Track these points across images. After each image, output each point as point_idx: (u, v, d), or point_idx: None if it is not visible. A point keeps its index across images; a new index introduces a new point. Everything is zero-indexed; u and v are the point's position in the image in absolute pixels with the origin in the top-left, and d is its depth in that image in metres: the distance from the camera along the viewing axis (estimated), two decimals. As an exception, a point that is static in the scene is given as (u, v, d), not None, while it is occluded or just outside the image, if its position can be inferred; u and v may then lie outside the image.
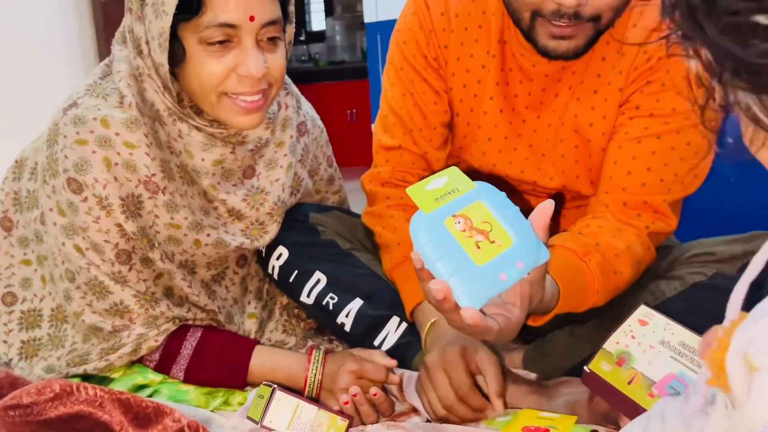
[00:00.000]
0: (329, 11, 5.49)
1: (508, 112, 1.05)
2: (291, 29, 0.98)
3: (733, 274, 0.90)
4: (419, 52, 1.06)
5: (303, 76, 4.80)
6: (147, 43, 0.90)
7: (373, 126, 1.17)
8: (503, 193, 0.69)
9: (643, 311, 0.83)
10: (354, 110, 4.82)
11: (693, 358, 0.77)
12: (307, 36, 5.65)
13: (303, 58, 5.39)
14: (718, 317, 0.92)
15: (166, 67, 0.89)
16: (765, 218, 1.39)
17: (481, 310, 0.64)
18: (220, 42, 0.88)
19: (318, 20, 5.70)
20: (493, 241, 0.65)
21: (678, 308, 0.87)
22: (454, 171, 0.69)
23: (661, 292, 0.93)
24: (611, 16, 0.90)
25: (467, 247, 0.64)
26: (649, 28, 0.95)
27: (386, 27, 2.33)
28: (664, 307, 0.85)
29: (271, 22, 0.90)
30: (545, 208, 0.69)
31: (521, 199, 1.13)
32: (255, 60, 0.89)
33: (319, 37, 5.56)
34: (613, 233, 0.93)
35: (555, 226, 1.15)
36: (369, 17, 2.43)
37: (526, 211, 0.70)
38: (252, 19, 0.88)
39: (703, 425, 0.46)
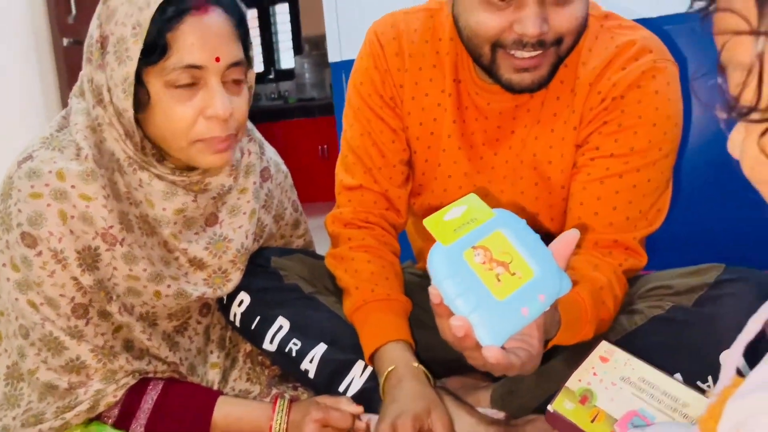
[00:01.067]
0: (297, 50, 5.57)
1: (467, 149, 1.07)
2: (252, 74, 0.98)
3: (690, 306, 0.91)
4: (375, 92, 1.07)
5: (273, 113, 4.84)
6: (109, 90, 0.90)
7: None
8: (524, 221, 0.68)
9: (604, 347, 0.84)
10: (325, 146, 4.85)
11: (653, 394, 0.78)
12: (276, 74, 5.71)
13: (273, 95, 5.43)
14: (676, 350, 0.93)
15: (131, 113, 0.89)
16: (719, 248, 1.42)
17: (503, 346, 0.63)
18: (187, 84, 0.88)
19: (287, 59, 5.76)
20: (514, 273, 0.63)
21: (638, 342, 0.88)
22: (473, 198, 0.68)
23: (621, 326, 0.93)
24: (572, 40, 0.92)
25: (487, 281, 0.62)
26: (600, 66, 0.97)
27: (351, 66, 2.37)
28: (625, 342, 0.85)
29: (236, 63, 0.91)
30: (570, 236, 0.69)
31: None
32: (221, 100, 0.89)
33: (288, 75, 5.62)
34: (594, 268, 0.94)
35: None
36: (333, 57, 2.45)
37: (547, 238, 0.69)
38: (218, 59, 0.88)
39: None
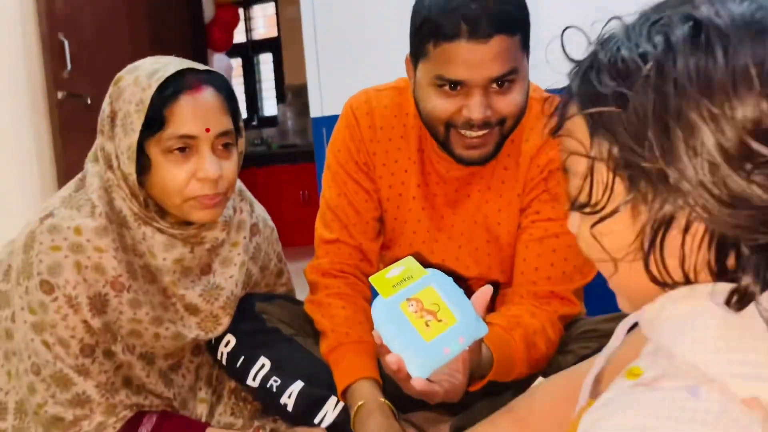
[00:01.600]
0: (280, 98, 5.71)
1: (429, 209, 1.21)
2: (242, 142, 1.11)
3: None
4: (351, 159, 1.21)
5: (257, 159, 4.93)
6: (117, 157, 1.03)
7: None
8: (450, 279, 0.83)
9: (539, 382, 0.98)
10: (306, 191, 4.94)
11: (577, 422, 0.92)
12: (259, 121, 5.84)
13: (256, 141, 5.54)
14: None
15: (134, 176, 1.02)
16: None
17: (429, 378, 0.78)
18: (181, 150, 1.01)
19: (270, 106, 5.92)
20: (440, 320, 0.78)
21: (571, 379, 1.02)
22: (410, 260, 0.83)
23: (557, 364, 1.07)
24: (514, 120, 1.07)
25: (418, 326, 0.77)
26: (539, 144, 1.13)
27: (330, 121, 2.52)
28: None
29: (224, 133, 1.04)
30: (486, 290, 0.85)
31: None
32: (210, 164, 1.02)
33: (271, 122, 5.76)
34: (531, 314, 1.08)
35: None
36: (315, 112, 2.61)
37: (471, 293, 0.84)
38: (208, 130, 1.02)
39: None
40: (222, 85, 1.06)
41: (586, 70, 0.51)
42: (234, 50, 5.09)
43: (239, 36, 4.99)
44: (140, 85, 1.00)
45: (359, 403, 1.05)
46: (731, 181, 0.45)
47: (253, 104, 5.95)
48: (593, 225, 0.52)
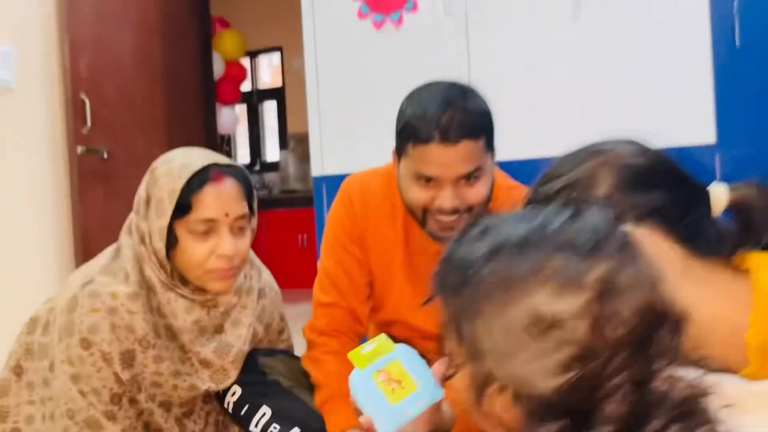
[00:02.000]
0: (283, 144, 5.93)
1: (412, 279, 1.39)
2: (254, 220, 1.30)
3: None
4: (345, 234, 1.40)
5: (258, 203, 5.07)
6: (149, 235, 1.21)
7: (318, 262, 1.47)
8: (415, 352, 1.00)
9: None
10: (305, 236, 5.07)
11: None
12: (261, 166, 6.03)
13: (258, 186, 5.71)
14: None
15: (163, 252, 1.20)
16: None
17: None
18: (204, 232, 1.19)
19: (272, 152, 6.12)
20: (404, 388, 0.95)
21: None
22: (382, 338, 1.01)
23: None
24: (480, 207, 1.24)
25: (386, 393, 0.94)
26: None
27: (331, 180, 2.71)
28: None
29: (241, 216, 1.23)
30: (443, 362, 1.01)
31: (423, 343, 1.45)
32: (228, 243, 1.20)
33: (273, 167, 5.95)
34: None
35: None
36: (316, 171, 2.79)
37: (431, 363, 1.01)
38: (227, 215, 1.21)
39: None
40: (240, 175, 1.25)
41: (444, 263, 0.70)
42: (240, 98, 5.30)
43: (245, 84, 5.21)
44: (172, 176, 1.19)
45: None
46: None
47: (256, 150, 6.14)
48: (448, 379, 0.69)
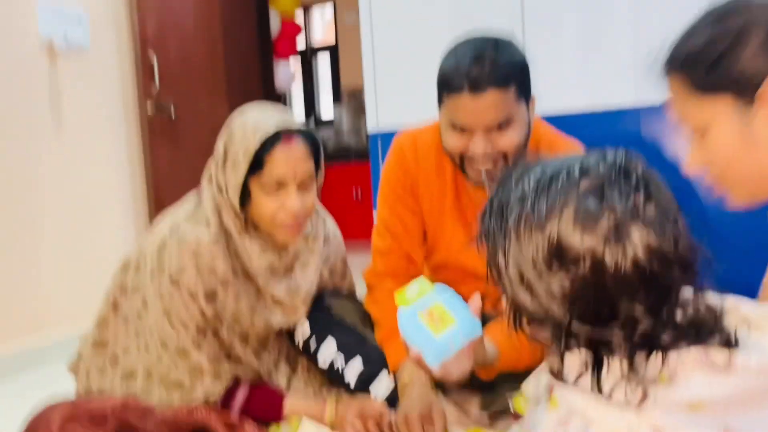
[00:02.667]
0: (336, 98, 5.96)
1: (462, 223, 1.48)
2: (321, 175, 1.41)
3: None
4: (399, 185, 1.49)
5: (316, 158, 5.15)
6: (226, 188, 1.33)
7: (374, 211, 1.57)
8: (453, 291, 1.09)
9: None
10: (359, 189, 5.18)
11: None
12: (316, 122, 6.12)
13: (313, 141, 5.79)
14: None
15: (237, 205, 1.33)
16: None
17: (441, 366, 1.04)
18: (274, 188, 1.31)
19: (326, 107, 6.19)
20: (446, 324, 1.04)
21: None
22: (422, 279, 1.11)
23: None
24: (515, 153, 1.29)
25: (431, 328, 1.04)
26: None
27: (385, 136, 2.76)
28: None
29: (308, 175, 1.34)
30: (477, 299, 1.10)
31: (475, 283, 1.55)
32: (294, 200, 1.32)
33: (328, 122, 6.05)
34: None
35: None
36: (371, 127, 2.85)
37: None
38: (295, 174, 1.32)
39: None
40: (308, 136, 1.36)
41: (486, 207, 0.77)
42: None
43: (299, 40, 5.26)
44: (247, 135, 1.31)
45: (405, 378, 1.33)
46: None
47: (310, 105, 6.21)
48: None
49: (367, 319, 1.51)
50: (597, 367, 0.65)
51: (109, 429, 0.92)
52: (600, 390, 0.64)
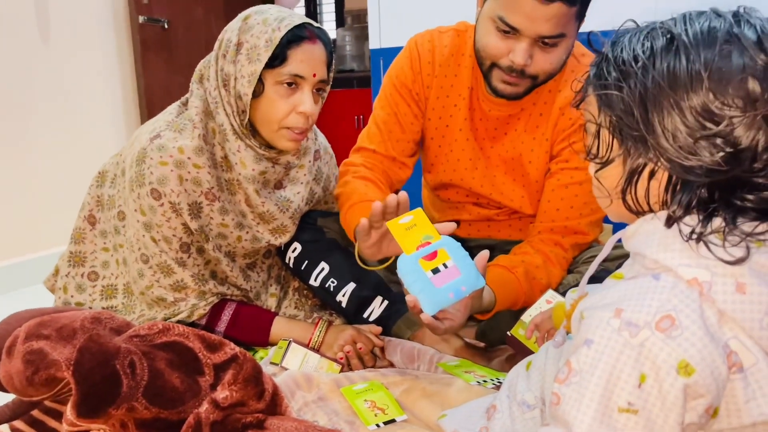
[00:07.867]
0: (340, 22, 5.80)
1: (472, 141, 1.38)
2: (328, 88, 1.29)
3: (613, 269, 1.24)
4: (405, 86, 1.38)
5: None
6: (236, 79, 1.22)
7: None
8: (458, 243, 1.02)
9: (549, 294, 1.18)
10: (361, 116, 5.07)
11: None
12: (318, 45, 5.94)
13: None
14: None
15: (249, 96, 1.20)
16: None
17: (436, 316, 1.00)
18: (289, 85, 1.20)
19: (329, 30, 5.99)
20: (449, 273, 0.98)
21: (577, 294, 1.22)
22: (418, 211, 1.03)
23: (567, 281, 1.27)
24: (546, 77, 1.23)
25: (432, 277, 0.97)
26: (570, 96, 1.28)
27: (388, 53, 2.65)
28: (564, 293, 1.19)
29: (323, 81, 1.24)
30: (484, 254, 1.04)
31: (479, 210, 1.47)
32: (309, 101, 1.22)
33: (330, 46, 5.84)
34: (535, 251, 1.27)
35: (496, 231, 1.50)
36: (374, 44, 2.74)
37: (479, 247, 1.03)
38: (314, 75, 1.21)
39: (561, 351, 0.81)
40: (328, 42, 1.24)
41: (600, 63, 0.70)
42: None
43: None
44: (270, 26, 1.19)
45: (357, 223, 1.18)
46: (686, 144, 0.63)
47: (312, 28, 6.01)
48: (596, 171, 0.71)
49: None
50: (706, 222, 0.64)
51: (77, 344, 0.84)
52: (706, 244, 0.64)
